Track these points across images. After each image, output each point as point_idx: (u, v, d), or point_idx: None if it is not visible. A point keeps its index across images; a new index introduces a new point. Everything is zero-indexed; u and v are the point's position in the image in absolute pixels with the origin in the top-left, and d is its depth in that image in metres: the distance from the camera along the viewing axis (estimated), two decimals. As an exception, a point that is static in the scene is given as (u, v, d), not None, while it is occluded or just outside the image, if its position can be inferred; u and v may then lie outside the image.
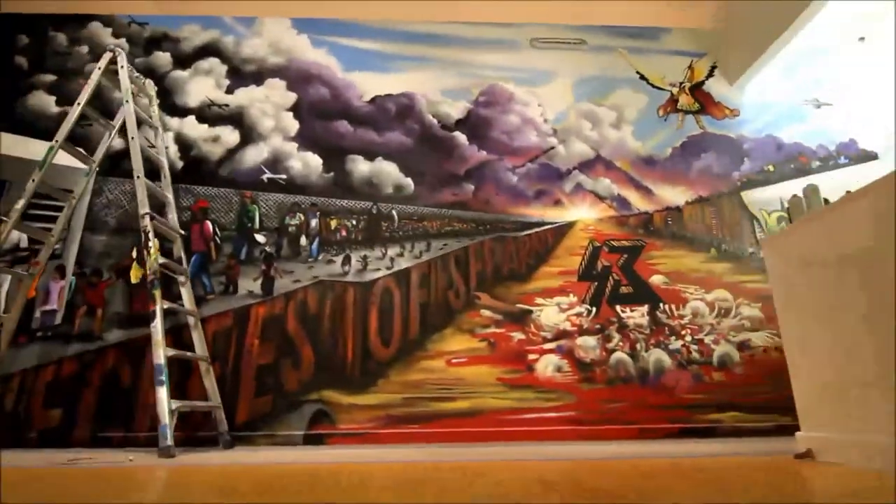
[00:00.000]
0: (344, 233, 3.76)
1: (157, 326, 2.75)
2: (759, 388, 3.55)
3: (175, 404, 2.62)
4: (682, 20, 4.46)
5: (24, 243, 3.63)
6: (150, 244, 2.96)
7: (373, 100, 4.11)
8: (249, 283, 3.60)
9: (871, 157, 4.16)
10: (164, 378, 2.63)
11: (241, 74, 4.11)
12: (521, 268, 3.76)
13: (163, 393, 2.59)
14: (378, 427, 3.34)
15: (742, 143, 4.19)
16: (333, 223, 3.77)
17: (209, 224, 3.72)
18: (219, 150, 3.89)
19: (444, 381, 3.47)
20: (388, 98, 4.12)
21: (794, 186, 4.09)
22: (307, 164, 3.88)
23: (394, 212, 3.82)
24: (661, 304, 3.71)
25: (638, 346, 3.60)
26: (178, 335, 3.46)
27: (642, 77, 4.34)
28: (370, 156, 3.94)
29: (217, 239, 3.69)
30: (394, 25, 4.37)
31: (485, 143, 4.04)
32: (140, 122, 3.86)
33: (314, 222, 3.76)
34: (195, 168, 3.85)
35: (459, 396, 3.44)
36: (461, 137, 4.04)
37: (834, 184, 4.02)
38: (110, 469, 2.18)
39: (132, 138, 3.22)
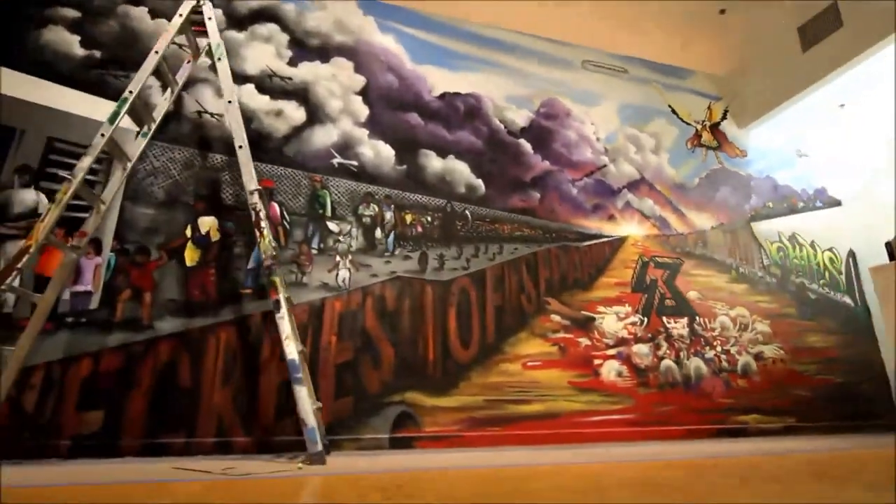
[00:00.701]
0: (420, 228, 3.63)
1: (285, 318, 2.45)
2: (771, 394, 4.09)
3: (316, 404, 2.35)
4: (701, 64, 5.03)
5: (44, 208, 2.97)
6: (263, 225, 2.62)
7: (442, 96, 4.03)
8: (323, 275, 3.32)
9: (836, 203, 5.02)
10: (301, 375, 2.35)
11: (305, 47, 3.78)
12: (583, 276, 3.93)
13: (304, 392, 2.32)
14: (464, 429, 3.27)
15: (750, 181, 4.82)
16: (409, 218, 3.62)
17: (276, 206, 3.36)
18: (283, 127, 3.54)
19: (522, 384, 3.51)
20: (456, 96, 4.07)
21: (786, 223, 4.81)
22: (379, 153, 3.68)
23: (467, 212, 3.78)
24: (697, 318, 4.12)
25: (681, 354, 3.96)
26: (243, 325, 3.08)
27: (673, 111, 4.80)
28: (442, 153, 3.85)
29: (286, 223, 3.35)
30: (459, 24, 4.33)
31: (547, 153, 4.17)
32: (195, 82, 3.41)
33: (389, 215, 3.58)
34: (256, 143, 3.43)
35: (535, 399, 3.50)
36: (526, 145, 4.12)
37: (805, 226, 4.81)
38: (281, 481, 1.92)
39: (229, 102, 2.82)
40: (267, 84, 3.60)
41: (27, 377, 2.67)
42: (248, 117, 3.50)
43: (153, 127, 2.98)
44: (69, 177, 2.48)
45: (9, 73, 3.08)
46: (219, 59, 2.92)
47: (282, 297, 2.49)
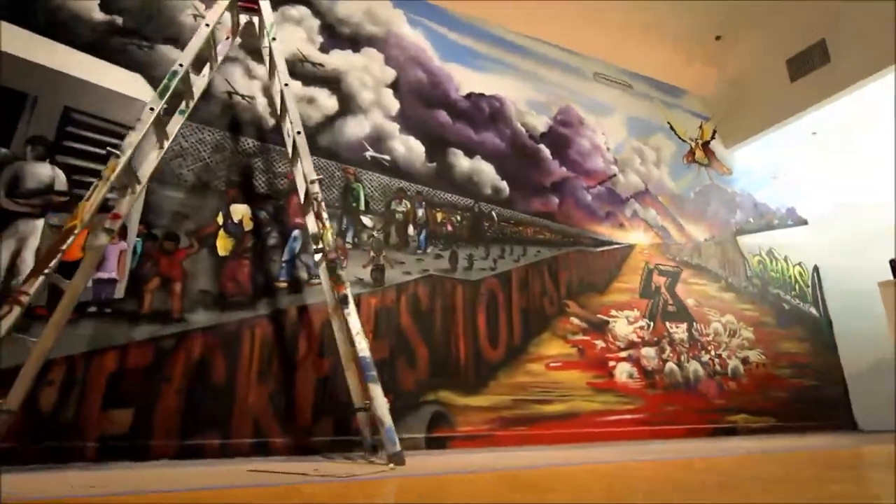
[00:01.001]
0: (450, 227, 3.61)
1: (353, 313, 2.36)
2: (756, 396, 4.42)
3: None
4: (695, 85, 5.35)
5: (62, 185, 2.68)
6: (325, 216, 2.51)
7: (468, 95, 4.03)
8: (358, 270, 3.23)
9: (804, 222, 5.51)
10: (375, 373, 2.28)
11: (336, 35, 3.66)
12: (598, 281, 4.07)
13: (379, 391, 2.24)
14: (494, 429, 3.30)
15: (735, 198, 5.19)
16: (440, 216, 3.60)
17: (310, 197, 3.22)
18: (315, 115, 3.40)
19: (545, 385, 3.58)
20: (481, 97, 4.08)
21: (765, 238, 5.22)
22: (410, 148, 3.63)
23: (493, 213, 3.81)
24: (694, 323, 4.38)
25: (682, 357, 4.19)
26: (277, 320, 2.94)
27: (671, 127, 5.07)
28: (469, 153, 3.86)
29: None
30: (482, 25, 4.35)
31: (565, 160, 4.28)
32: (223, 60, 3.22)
33: (421, 212, 3.54)
34: (288, 129, 3.30)
35: (557, 399, 3.59)
36: (545, 151, 4.21)
37: (780, 241, 5.25)
38: (389, 481, 1.86)
39: (286, 85, 2.68)
40: (299, 69, 3.45)
41: (45, 372, 2.40)
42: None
43: (191, 105, 2.77)
44: (116, 153, 2.25)
45: (20, 32, 2.76)
46: (273, 39, 2.77)
47: (349, 292, 2.40)
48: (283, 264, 3.04)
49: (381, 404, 2.23)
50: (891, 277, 3.73)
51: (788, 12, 4.57)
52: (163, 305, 2.71)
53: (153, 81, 3.01)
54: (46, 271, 2.05)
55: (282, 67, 2.71)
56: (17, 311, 1.97)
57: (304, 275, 3.08)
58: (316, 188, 2.54)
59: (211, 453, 2.58)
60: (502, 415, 3.36)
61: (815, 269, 5.32)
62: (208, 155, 3.05)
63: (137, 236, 2.75)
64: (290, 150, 3.00)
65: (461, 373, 3.32)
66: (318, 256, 2.84)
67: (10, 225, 2.55)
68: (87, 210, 2.18)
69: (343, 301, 2.38)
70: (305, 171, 2.56)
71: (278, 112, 3.04)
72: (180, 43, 3.12)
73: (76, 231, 2.15)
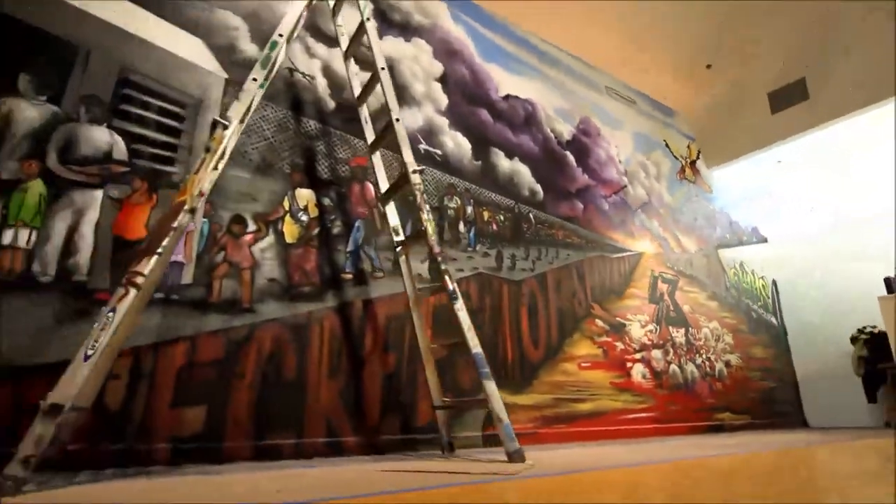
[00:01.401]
0: (495, 227, 3.62)
1: (464, 308, 2.31)
2: (736, 396, 4.86)
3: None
4: (685, 107, 5.77)
5: (121, 153, 2.36)
6: (427, 208, 2.43)
7: (506, 97, 4.07)
8: (416, 265, 3.15)
9: (764, 240, 6.13)
10: (488, 370, 2.24)
11: (388, 21, 3.54)
12: (616, 286, 4.27)
13: (493, 388, 2.22)
14: (538, 427, 3.36)
15: (715, 214, 5.66)
16: (486, 214, 3.60)
17: (371, 186, 3.11)
18: (375, 103, 3.27)
19: (578, 384, 3.70)
20: (517, 100, 4.14)
21: (737, 253, 5.74)
22: (459, 144, 3.60)
23: (531, 215, 3.87)
24: (690, 328, 4.73)
25: (682, 359, 4.51)
26: (343, 313, 2.80)
27: (667, 145, 5.44)
28: (509, 154, 3.89)
29: (380, 206, 3.10)
30: (513, 27, 4.41)
31: (586, 168, 4.44)
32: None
33: (470, 209, 3.52)
34: (349, 114, 3.16)
35: (588, 398, 3.72)
36: (571, 157, 4.35)
37: (748, 257, 5.81)
38: (544, 480, 1.86)
39: (382, 69, 2.56)
40: (357, 52, 3.30)
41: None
42: (339, 85, 3.19)
43: (270, 78, 2.55)
44: (224, 122, 2.05)
45: (70, -25, 2.41)
46: (367, 18, 2.64)
47: (455, 287, 2.34)
48: (348, 255, 2.90)
49: (497, 400, 2.21)
50: (885, 293, 4.28)
51: (774, 48, 5.08)
52: (232, 294, 2.49)
53: (213, 47, 2.76)
54: (160, 250, 1.81)
55: (377, 50, 2.59)
56: (132, 293, 1.73)
57: (367, 267, 2.96)
58: (417, 179, 2.46)
59: (287, 454, 2.40)
60: (544, 413, 3.44)
61: (774, 282, 5.94)
62: (272, 134, 2.83)
63: (204, 217, 2.50)
64: (368, 136, 2.88)
65: (508, 372, 3.35)
66: (399, 249, 2.75)
67: (64, 195, 2.21)
68: (197, 184, 1.96)
69: (452, 296, 2.32)
70: (406, 160, 2.47)
71: (355, 95, 2.90)
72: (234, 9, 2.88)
73: (186, 207, 1.92)
